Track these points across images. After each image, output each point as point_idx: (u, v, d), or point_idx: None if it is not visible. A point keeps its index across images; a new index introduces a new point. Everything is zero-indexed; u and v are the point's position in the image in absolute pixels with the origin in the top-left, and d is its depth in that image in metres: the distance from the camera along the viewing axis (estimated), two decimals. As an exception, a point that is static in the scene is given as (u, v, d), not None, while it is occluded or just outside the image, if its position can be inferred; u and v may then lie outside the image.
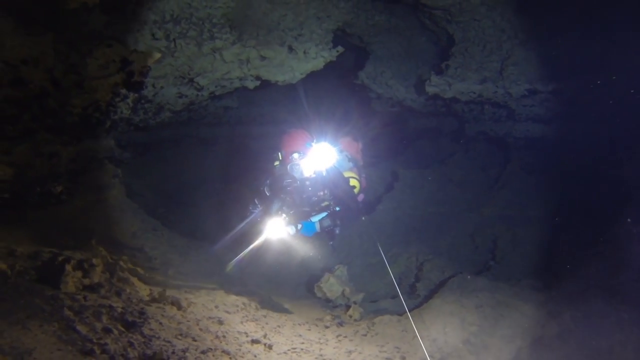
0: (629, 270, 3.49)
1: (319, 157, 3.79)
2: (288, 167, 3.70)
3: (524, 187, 6.30)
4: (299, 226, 3.85)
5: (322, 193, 3.83)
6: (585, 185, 5.47)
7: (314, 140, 3.85)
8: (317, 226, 3.90)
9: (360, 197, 4.14)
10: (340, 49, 4.95)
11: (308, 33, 4.79)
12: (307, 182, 3.72)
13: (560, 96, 5.02)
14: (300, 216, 3.88)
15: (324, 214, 3.95)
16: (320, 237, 4.25)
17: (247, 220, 3.92)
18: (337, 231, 3.95)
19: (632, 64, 4.18)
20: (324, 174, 3.78)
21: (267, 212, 3.72)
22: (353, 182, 3.98)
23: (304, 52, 4.80)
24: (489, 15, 4.73)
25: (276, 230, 3.71)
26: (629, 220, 3.99)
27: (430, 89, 5.35)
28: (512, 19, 4.70)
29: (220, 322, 3.12)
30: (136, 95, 4.05)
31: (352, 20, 5.44)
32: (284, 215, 3.73)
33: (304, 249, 4.79)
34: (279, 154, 3.88)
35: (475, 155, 6.96)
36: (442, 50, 5.69)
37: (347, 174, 3.96)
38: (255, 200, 3.90)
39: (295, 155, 3.71)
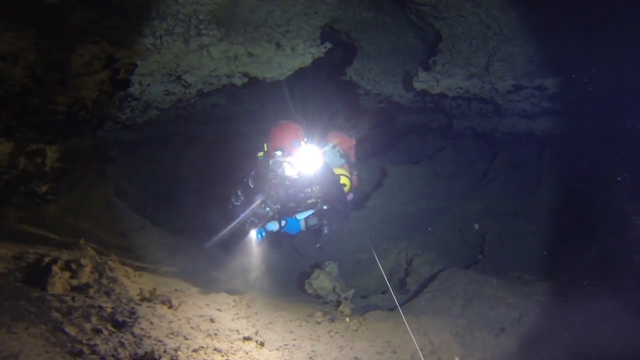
0: (618, 262, 3.57)
1: (306, 160, 3.50)
2: (270, 162, 3.43)
3: (511, 182, 6.40)
4: (283, 223, 3.62)
5: (310, 190, 3.62)
6: (571, 178, 5.57)
7: (304, 140, 3.52)
8: (302, 224, 3.68)
9: (350, 197, 3.97)
10: (328, 45, 4.95)
11: (295, 29, 4.78)
12: (288, 182, 3.50)
13: (545, 92, 5.09)
14: (285, 212, 3.68)
15: (310, 212, 3.74)
16: (308, 236, 4.11)
17: (235, 222, 3.66)
18: (326, 231, 3.76)
19: (616, 59, 4.26)
20: (312, 176, 3.56)
21: (249, 206, 3.55)
22: (344, 180, 3.80)
23: (292, 49, 4.79)
24: (475, 12, 4.77)
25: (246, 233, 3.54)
26: (619, 179, 4.04)
27: (418, 85, 5.38)
28: (497, 16, 4.75)
29: (212, 320, 3.11)
30: (122, 93, 4.00)
31: (340, 17, 5.44)
32: (267, 209, 3.57)
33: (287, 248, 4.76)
34: (265, 145, 3.58)
35: (463, 150, 7.04)
36: (429, 46, 5.73)
37: (338, 171, 3.78)
38: (238, 192, 3.70)
39: (279, 153, 3.40)
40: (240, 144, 7.13)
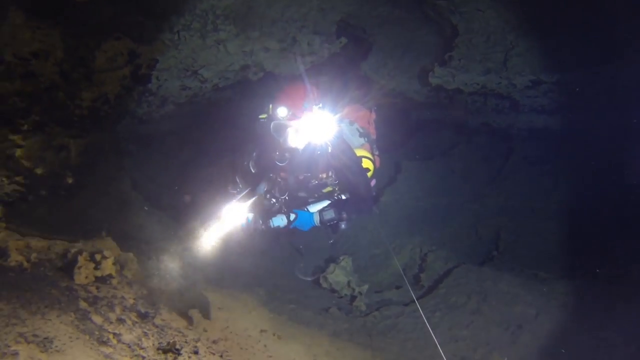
0: (636, 261, 3.52)
1: (317, 126, 2.72)
2: (271, 125, 2.71)
3: (527, 179, 6.34)
4: (292, 217, 2.97)
5: (324, 175, 2.96)
6: (589, 176, 5.49)
7: (318, 104, 2.78)
8: (316, 218, 3.02)
9: (373, 182, 3.29)
10: (343, 40, 4.95)
11: (311, 25, 4.78)
12: (289, 154, 2.75)
13: (564, 87, 5.02)
14: (295, 203, 3.05)
15: (325, 203, 3.11)
16: (318, 232, 3.35)
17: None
18: (343, 226, 3.09)
19: (637, 54, 4.17)
20: (329, 149, 2.82)
21: (250, 196, 2.94)
22: (366, 163, 3.09)
23: (308, 44, 4.80)
24: (493, 6, 4.71)
25: (232, 218, 2.86)
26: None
27: (434, 81, 5.35)
28: (516, 10, 4.69)
29: (230, 312, 3.16)
30: (140, 88, 4.06)
31: (356, 12, 5.42)
32: (273, 200, 2.94)
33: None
34: (270, 106, 2.83)
35: (478, 146, 6.98)
36: (445, 41, 5.67)
37: (359, 152, 3.08)
38: (237, 179, 3.07)
39: (283, 112, 2.66)
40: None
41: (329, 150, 2.84)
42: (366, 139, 3.23)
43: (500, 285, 3.94)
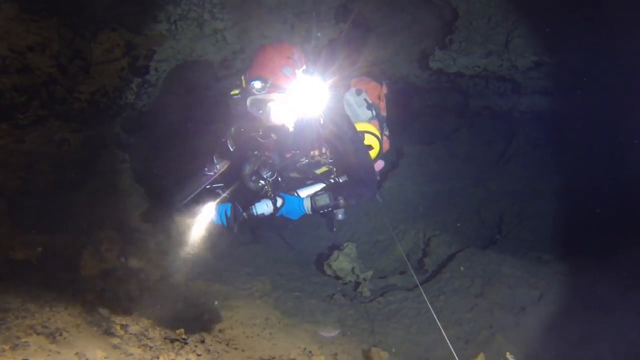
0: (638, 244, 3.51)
1: (306, 96, 2.25)
2: (247, 101, 2.26)
3: (530, 161, 6.31)
4: (279, 202, 2.45)
5: (317, 152, 2.48)
6: (592, 157, 5.45)
7: (302, 67, 2.28)
8: (307, 205, 2.48)
9: (379, 165, 2.87)
10: (342, 25, 4.88)
11: (310, 11, 4.72)
12: (276, 135, 2.32)
13: (567, 68, 4.95)
14: (289, 186, 2.60)
15: (319, 186, 2.61)
16: (311, 220, 2.99)
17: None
18: (340, 216, 2.71)
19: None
20: (321, 120, 2.37)
21: (233, 177, 2.52)
22: (370, 139, 2.62)
23: (306, 30, 4.74)
24: (495, -15, 4.63)
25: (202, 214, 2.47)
26: None
27: (434, 65, 5.28)
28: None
29: (236, 300, 3.20)
30: (140, 79, 4.03)
31: (354, -4, 5.33)
32: (261, 183, 2.47)
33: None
34: (242, 78, 2.37)
35: (480, 130, 6.94)
36: (445, 24, 5.59)
37: (362, 127, 2.61)
38: (214, 158, 2.62)
39: (258, 84, 2.18)
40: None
41: (321, 122, 2.36)
42: (374, 112, 2.73)
43: (504, 268, 3.95)
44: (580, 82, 5.27)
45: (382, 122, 2.86)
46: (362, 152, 2.50)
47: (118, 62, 2.93)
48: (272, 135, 2.33)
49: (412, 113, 7.51)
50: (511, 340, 3.05)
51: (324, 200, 2.47)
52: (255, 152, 2.48)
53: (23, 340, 1.67)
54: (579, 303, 3.32)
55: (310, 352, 2.69)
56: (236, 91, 2.35)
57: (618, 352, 2.75)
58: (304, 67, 2.29)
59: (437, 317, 3.12)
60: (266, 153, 2.51)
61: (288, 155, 2.49)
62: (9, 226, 2.37)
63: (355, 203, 2.54)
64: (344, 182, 2.61)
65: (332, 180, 2.62)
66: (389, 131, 3.02)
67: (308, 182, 2.64)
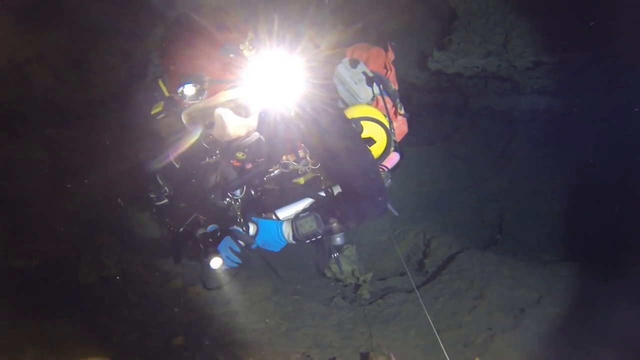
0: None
1: (271, 81, 1.56)
2: (183, 116, 1.58)
3: (530, 161, 6.29)
4: (252, 229, 1.81)
5: (291, 157, 1.79)
6: (592, 157, 5.44)
7: (247, 37, 1.55)
8: (286, 231, 1.79)
9: (392, 160, 2.20)
10: (339, 27, 4.87)
11: (308, 19, 4.71)
12: (241, 153, 1.63)
13: (566, 67, 4.93)
14: (254, 206, 1.87)
15: (306, 203, 1.87)
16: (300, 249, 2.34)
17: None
18: (339, 240, 2.02)
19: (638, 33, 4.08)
20: (292, 113, 1.64)
21: (191, 197, 1.83)
22: (372, 129, 1.90)
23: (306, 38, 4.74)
24: (492, -14, 4.62)
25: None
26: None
27: (432, 65, 5.27)
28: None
29: (235, 305, 3.22)
30: (137, 86, 4.04)
31: (352, -2, 5.33)
32: (226, 200, 1.81)
33: None
34: (160, 83, 1.68)
35: (480, 130, 6.92)
36: (444, 25, 5.58)
37: (359, 112, 1.89)
38: (158, 179, 1.87)
39: (188, 90, 1.46)
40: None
41: (292, 114, 1.63)
42: (378, 88, 2.00)
43: (503, 269, 3.94)
44: (580, 82, 5.25)
45: (394, 97, 2.20)
46: (358, 152, 1.72)
47: (115, 71, 2.94)
48: (238, 154, 1.64)
49: (412, 113, 7.47)
50: (510, 343, 3.06)
51: (309, 225, 1.73)
52: (207, 159, 1.74)
53: (22, 349, 1.69)
54: (578, 305, 3.31)
55: (309, 356, 2.71)
56: (158, 107, 1.66)
57: (618, 355, 2.75)
58: (251, 36, 1.54)
59: (436, 320, 3.14)
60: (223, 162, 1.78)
61: (249, 167, 1.75)
62: (7, 235, 2.39)
63: (356, 224, 1.82)
64: (340, 194, 1.84)
65: (323, 193, 1.86)
66: (404, 112, 2.24)
67: (284, 201, 1.88)
